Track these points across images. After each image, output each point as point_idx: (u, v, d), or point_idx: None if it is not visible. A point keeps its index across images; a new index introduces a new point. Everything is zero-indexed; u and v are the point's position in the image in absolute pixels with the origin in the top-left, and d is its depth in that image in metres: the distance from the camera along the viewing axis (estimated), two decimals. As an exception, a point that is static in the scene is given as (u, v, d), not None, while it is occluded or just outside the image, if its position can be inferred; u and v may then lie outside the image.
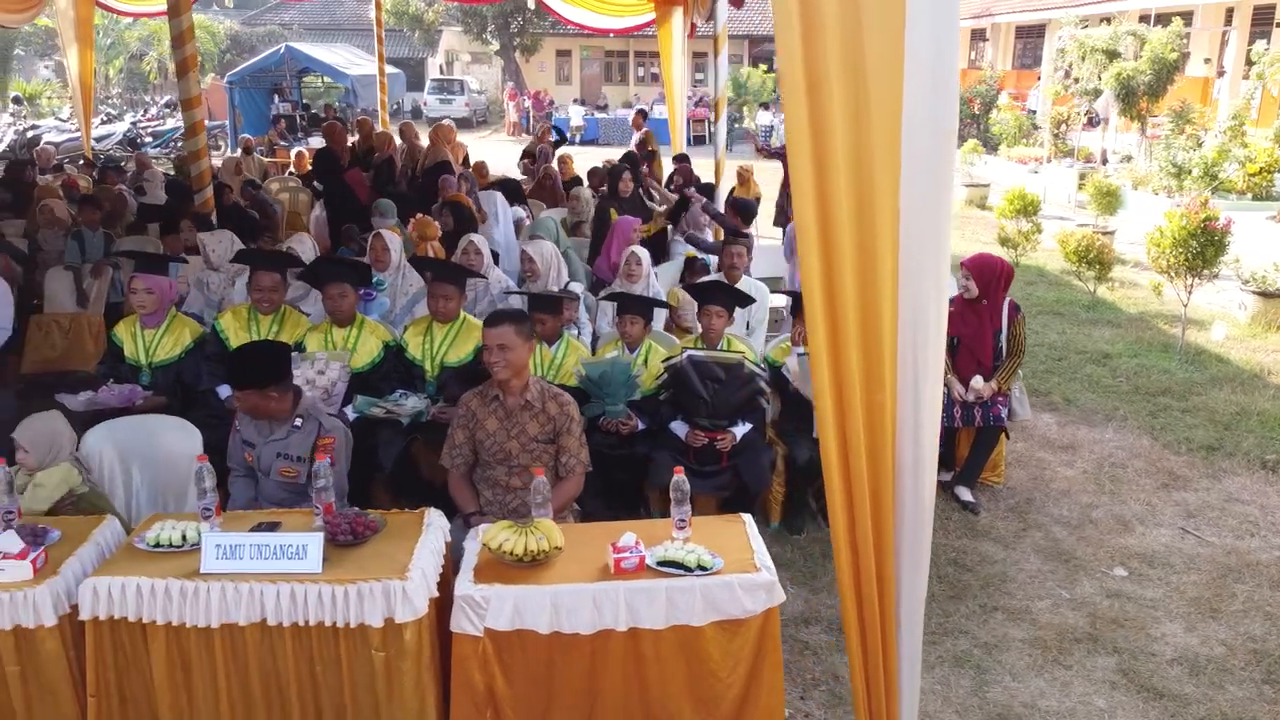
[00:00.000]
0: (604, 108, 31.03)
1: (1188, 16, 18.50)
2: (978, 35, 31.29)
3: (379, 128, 12.92)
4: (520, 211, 8.13)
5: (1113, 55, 15.69)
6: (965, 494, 5.25)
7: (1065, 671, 3.78)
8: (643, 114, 14.93)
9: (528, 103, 30.22)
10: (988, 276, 5.18)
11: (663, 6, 13.12)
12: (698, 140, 27.85)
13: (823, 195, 2.18)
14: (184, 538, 3.06)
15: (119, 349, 5.04)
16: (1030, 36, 28.11)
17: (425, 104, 31.29)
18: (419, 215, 6.36)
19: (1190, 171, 12.91)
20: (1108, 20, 20.00)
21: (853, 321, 2.17)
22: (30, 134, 18.94)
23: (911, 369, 2.18)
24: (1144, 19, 18.44)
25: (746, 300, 5.09)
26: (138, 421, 4.02)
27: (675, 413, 4.77)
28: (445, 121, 11.19)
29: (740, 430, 4.68)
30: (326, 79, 19.29)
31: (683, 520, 3.23)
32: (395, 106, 26.60)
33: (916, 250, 2.10)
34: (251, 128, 18.06)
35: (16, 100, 22.23)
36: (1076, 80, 16.50)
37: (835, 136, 2.19)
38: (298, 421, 3.71)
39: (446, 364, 4.92)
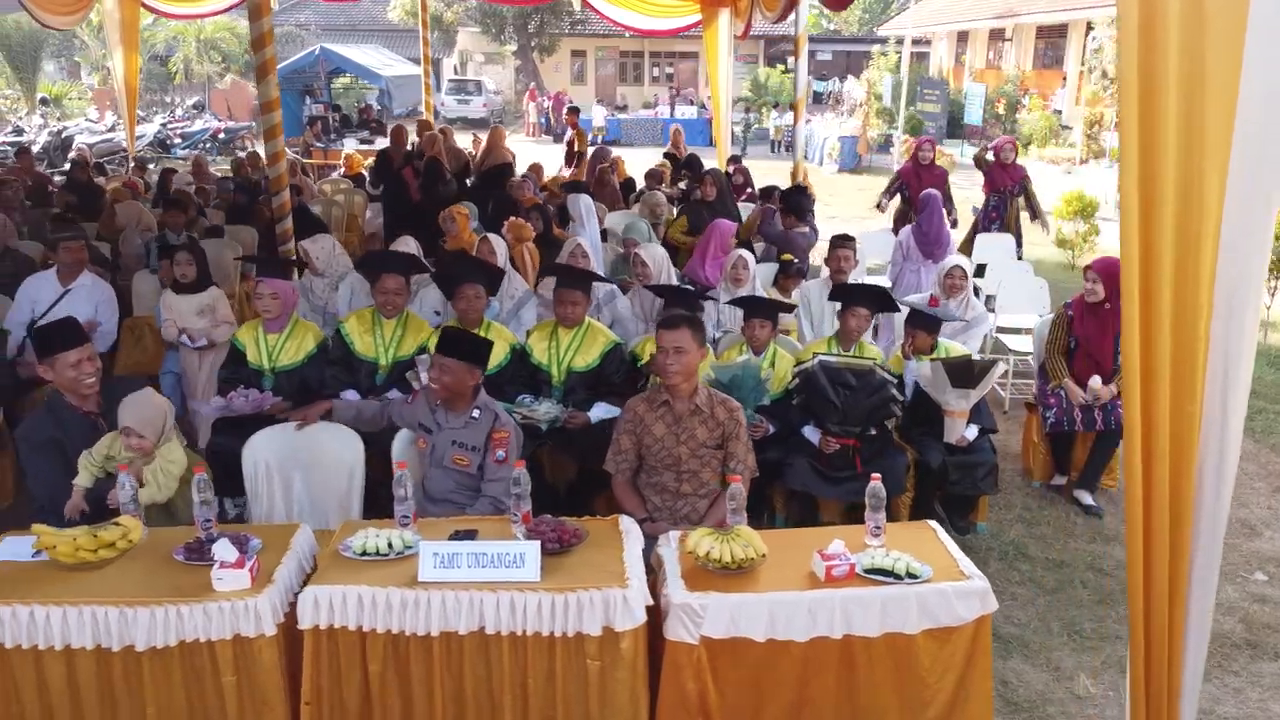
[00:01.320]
0: (624, 108, 31.03)
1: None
2: (996, 35, 31.29)
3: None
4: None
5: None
6: (1086, 498, 5.25)
7: (1234, 678, 3.77)
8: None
9: (547, 103, 30.20)
10: (1115, 280, 5.16)
11: (709, 7, 13.11)
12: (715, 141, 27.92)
13: (1147, 204, 2.17)
14: (390, 545, 3.04)
15: (241, 353, 5.03)
16: (1052, 36, 28.08)
17: (442, 104, 31.22)
18: (512, 218, 6.35)
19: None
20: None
21: (1167, 329, 2.16)
22: (63, 135, 18.88)
23: (1221, 380, 2.17)
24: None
25: (891, 306, 5.10)
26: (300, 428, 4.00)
27: (805, 418, 4.76)
28: (498, 125, 11.21)
29: (873, 433, 4.68)
30: (359, 80, 19.25)
31: (878, 527, 3.22)
32: (412, 108, 26.57)
33: (1238, 259, 2.09)
34: (285, 129, 18.01)
35: (44, 101, 22.21)
36: (1113, 80, 16.47)
37: (1167, 140, 2.18)
38: (475, 413, 3.73)
39: (573, 369, 4.90)
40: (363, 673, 2.92)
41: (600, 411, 4.81)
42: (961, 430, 4.74)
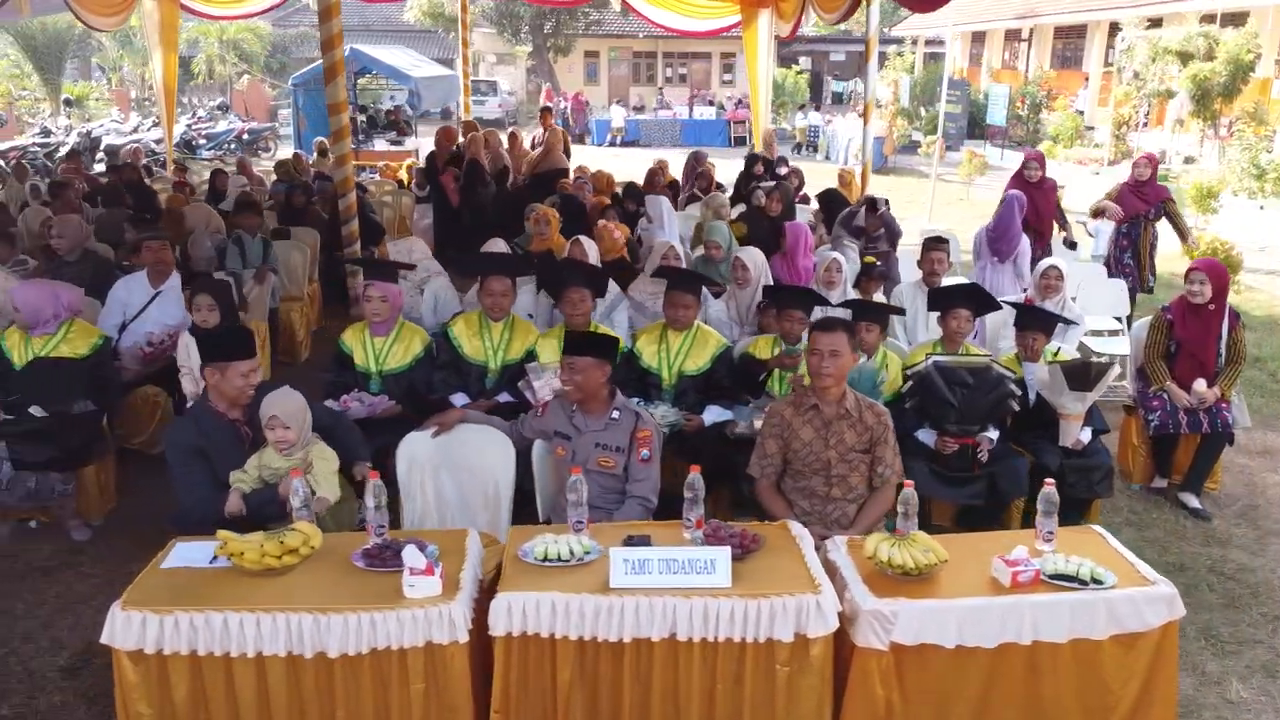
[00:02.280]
0: (641, 109, 31.03)
1: (1241, 18, 18.47)
2: (1013, 35, 31.28)
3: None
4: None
5: (1185, 57, 15.69)
6: (1192, 501, 5.23)
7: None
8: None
9: (564, 103, 30.18)
10: (1221, 281, 5.17)
11: (749, 8, 13.12)
12: (738, 141, 27.91)
13: None
14: (571, 551, 3.03)
15: (348, 356, 5.02)
16: (1070, 37, 28.07)
17: (457, 104, 31.21)
18: (604, 221, 6.34)
19: (1268, 173, 12.93)
20: (1157, 22, 19.98)
21: None
22: (92, 136, 18.85)
23: None
24: (1206, 19, 18.38)
25: (994, 305, 5.08)
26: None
27: (919, 420, 4.75)
28: (557, 127, 11.16)
29: (992, 435, 4.66)
30: (388, 80, 19.20)
31: (1050, 533, 3.21)
32: (440, 108, 26.59)
33: None
34: (313, 130, 17.99)
35: (67, 102, 22.19)
36: (1145, 82, 16.49)
37: None
38: (615, 414, 3.72)
39: (685, 373, 4.89)
40: (551, 680, 2.90)
41: (713, 415, 4.80)
42: (1077, 433, 4.73)
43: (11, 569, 4.58)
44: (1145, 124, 19.36)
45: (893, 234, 7.19)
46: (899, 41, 32.24)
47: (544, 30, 32.44)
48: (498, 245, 5.99)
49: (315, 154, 12.68)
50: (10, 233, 6.92)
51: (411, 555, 2.89)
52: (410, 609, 2.81)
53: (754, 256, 5.61)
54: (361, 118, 18.90)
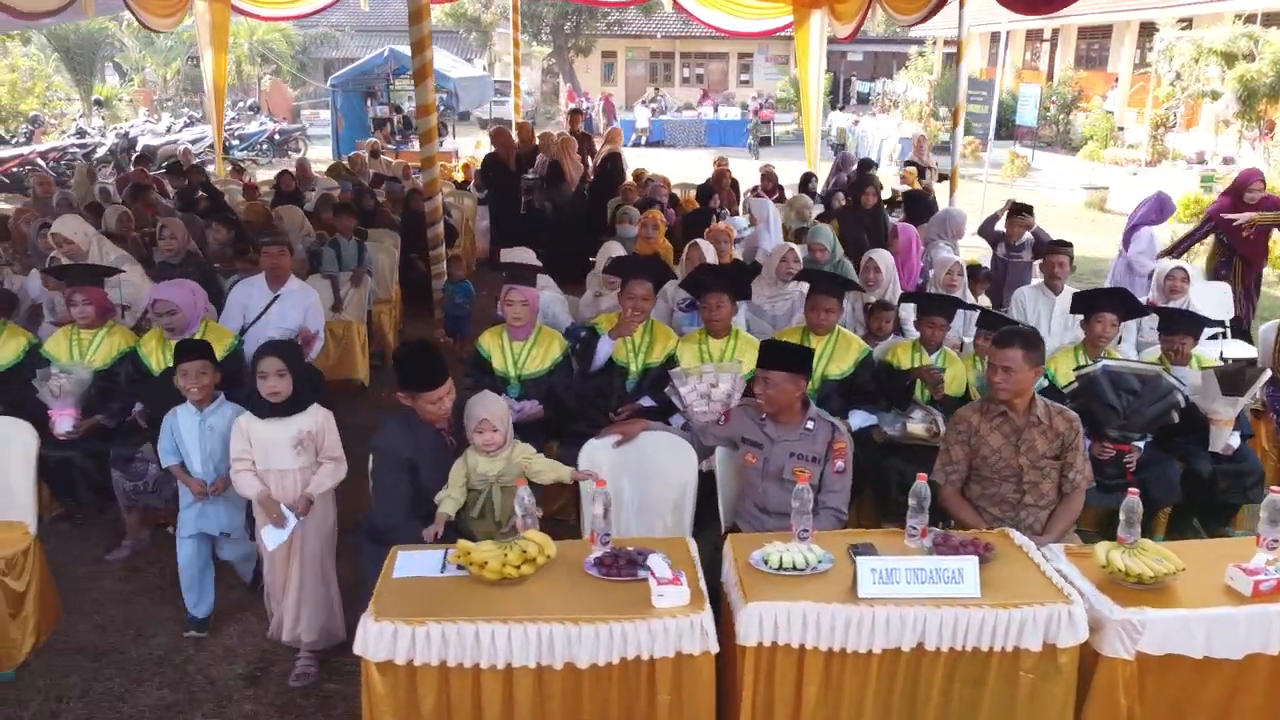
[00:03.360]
0: (664, 110, 30.99)
1: (1271, 17, 18.41)
2: (1034, 36, 31.23)
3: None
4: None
5: (1229, 58, 15.65)
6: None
7: None
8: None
9: (585, 104, 30.16)
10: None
11: (801, 9, 13.08)
12: (763, 142, 27.88)
13: None
14: (805, 561, 3.00)
15: (486, 360, 4.99)
16: (1095, 37, 28.01)
17: (490, 105, 31.16)
18: (718, 224, 6.31)
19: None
20: (1187, 21, 19.94)
21: None
22: (129, 137, 18.81)
23: None
24: (1242, 19, 18.34)
25: (1140, 310, 5.04)
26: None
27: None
28: (616, 128, 11.14)
29: (1140, 444, 4.64)
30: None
31: (1275, 540, 3.18)
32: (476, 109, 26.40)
33: None
34: (350, 131, 17.98)
35: (98, 103, 22.15)
36: (1190, 83, 16.45)
37: None
38: (809, 424, 3.68)
39: (827, 377, 4.86)
40: (797, 692, 2.87)
41: (859, 420, 4.78)
42: (1227, 438, 4.70)
43: (161, 575, 4.55)
44: (1174, 125, 19.33)
45: (1040, 240, 7.13)
46: (920, 42, 32.21)
47: (564, 30, 32.41)
48: (615, 249, 5.96)
49: (368, 155, 12.65)
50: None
51: (659, 565, 2.86)
52: (661, 619, 2.78)
53: (885, 259, 5.58)
54: (397, 117, 18.89)
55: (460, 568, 2.98)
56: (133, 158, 18.52)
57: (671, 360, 4.92)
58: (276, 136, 21.83)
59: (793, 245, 5.87)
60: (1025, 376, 3.65)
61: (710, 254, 5.88)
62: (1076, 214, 15.26)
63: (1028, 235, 7.14)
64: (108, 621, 4.17)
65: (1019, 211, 7.16)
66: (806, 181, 10.70)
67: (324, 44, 33.85)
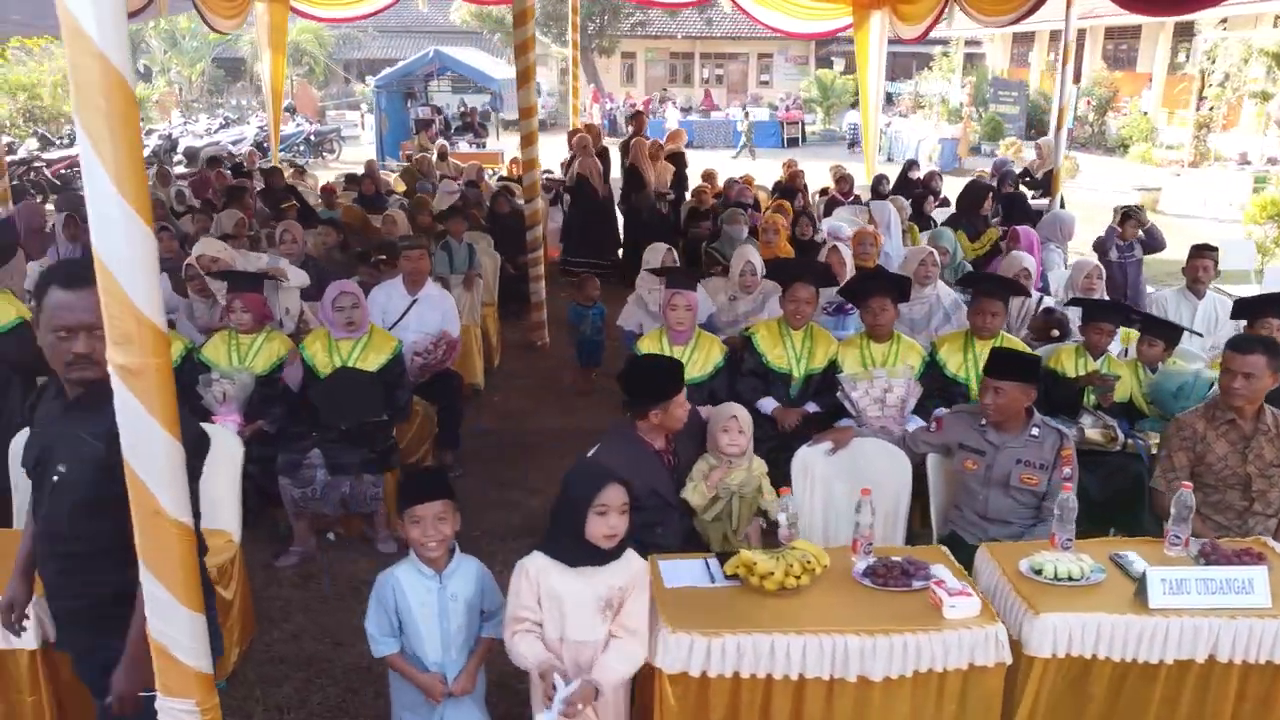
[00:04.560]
0: (689, 110, 31.00)
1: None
2: (1057, 36, 31.21)
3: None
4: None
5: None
6: None
7: None
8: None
9: (609, 104, 30.18)
10: None
11: (861, 10, 13.04)
12: (791, 143, 27.86)
13: None
14: (1081, 572, 2.97)
15: (644, 365, 4.95)
16: (1123, 38, 28.00)
17: (473, 108, 31.10)
18: (867, 227, 6.30)
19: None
20: (1223, 22, 19.95)
21: None
22: (172, 138, 18.77)
23: None
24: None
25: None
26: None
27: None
28: (680, 129, 11.11)
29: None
30: (472, 81, 19.18)
31: None
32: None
33: None
34: (393, 133, 17.96)
35: (134, 104, 22.11)
36: (1241, 84, 16.44)
37: None
38: (1034, 431, 3.65)
39: (994, 381, 4.83)
40: (1083, 702, 2.85)
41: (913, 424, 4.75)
42: None
43: (335, 582, 4.51)
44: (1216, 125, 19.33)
45: (1154, 244, 7.11)
46: (945, 42, 32.20)
47: (588, 31, 32.37)
48: (750, 254, 5.93)
49: (436, 157, 12.63)
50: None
51: (948, 576, 2.84)
52: (955, 631, 2.76)
53: (1029, 262, 5.55)
54: (438, 119, 18.87)
55: (732, 577, 2.96)
56: (174, 160, 18.56)
57: (834, 365, 4.90)
58: (312, 137, 21.80)
59: (931, 249, 5.83)
60: (1265, 383, 3.60)
61: (849, 257, 5.85)
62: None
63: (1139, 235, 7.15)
64: (300, 630, 4.14)
65: (1131, 215, 7.15)
66: (879, 184, 10.66)
67: (346, 44, 33.85)
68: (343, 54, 34.57)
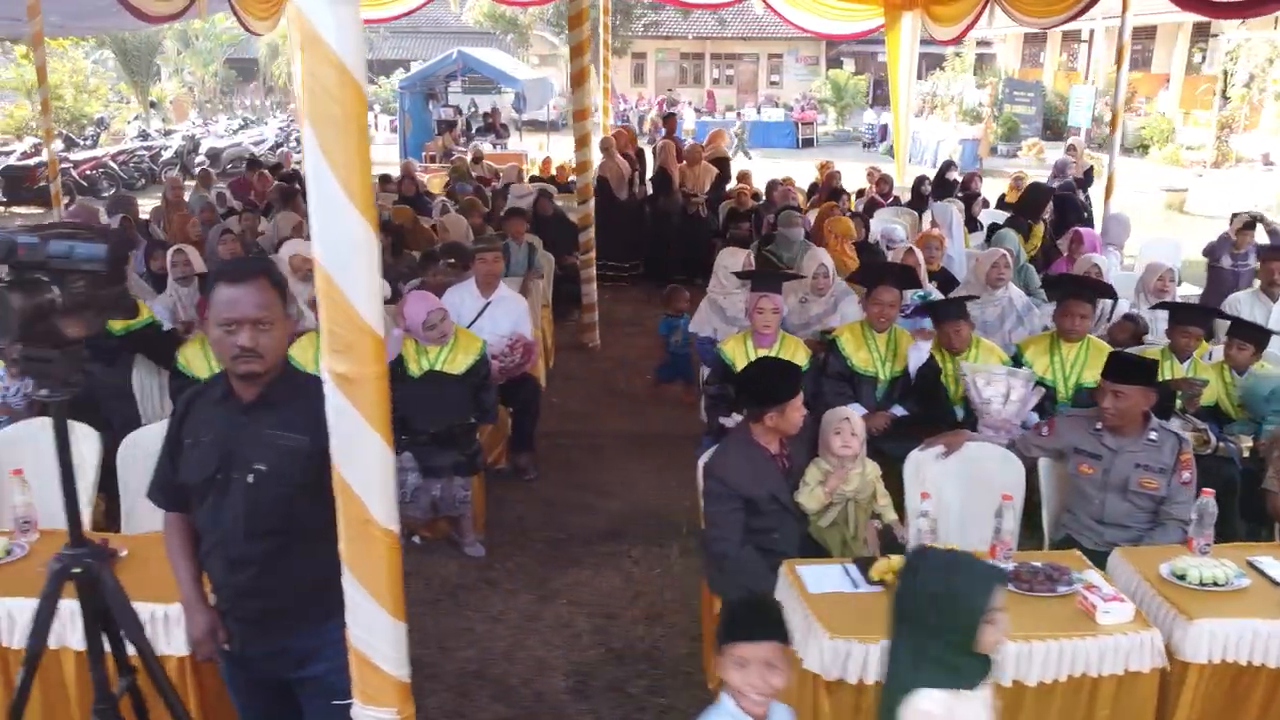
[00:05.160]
0: (701, 111, 31.03)
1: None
2: (1070, 36, 31.18)
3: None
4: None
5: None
6: None
7: None
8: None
9: (623, 104, 30.19)
10: None
11: (892, 10, 13.04)
12: (806, 143, 27.88)
13: None
14: (1225, 577, 2.96)
15: (729, 367, 4.95)
16: (1139, 38, 27.96)
17: (497, 110, 31.08)
18: (931, 229, 6.29)
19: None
20: (1242, 21, 19.94)
21: None
22: (196, 139, 18.77)
23: None
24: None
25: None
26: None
27: None
28: (720, 130, 11.08)
29: None
30: (494, 82, 19.16)
31: None
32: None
33: None
34: (416, 134, 17.96)
35: (152, 104, 22.15)
36: (1267, 84, 16.45)
37: None
38: (1152, 435, 3.64)
39: (1082, 385, 4.82)
40: (1240, 707, 2.84)
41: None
42: None
43: (428, 586, 4.51)
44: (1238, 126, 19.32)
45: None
46: (929, 41, 32.15)
47: (599, 32, 32.37)
48: (819, 256, 5.92)
49: (471, 159, 12.63)
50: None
51: (1101, 582, 2.83)
52: (1111, 636, 2.75)
53: (1100, 261, 5.54)
54: (460, 119, 18.86)
55: (877, 583, 2.95)
56: (195, 161, 18.58)
57: (924, 366, 4.90)
58: (331, 138, 21.76)
59: (1004, 251, 5.83)
60: None
61: (922, 260, 5.85)
62: (1164, 216, 15.24)
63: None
64: (402, 634, 4.12)
65: (1249, 225, 7.08)
66: (920, 185, 10.66)
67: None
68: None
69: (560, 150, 16.80)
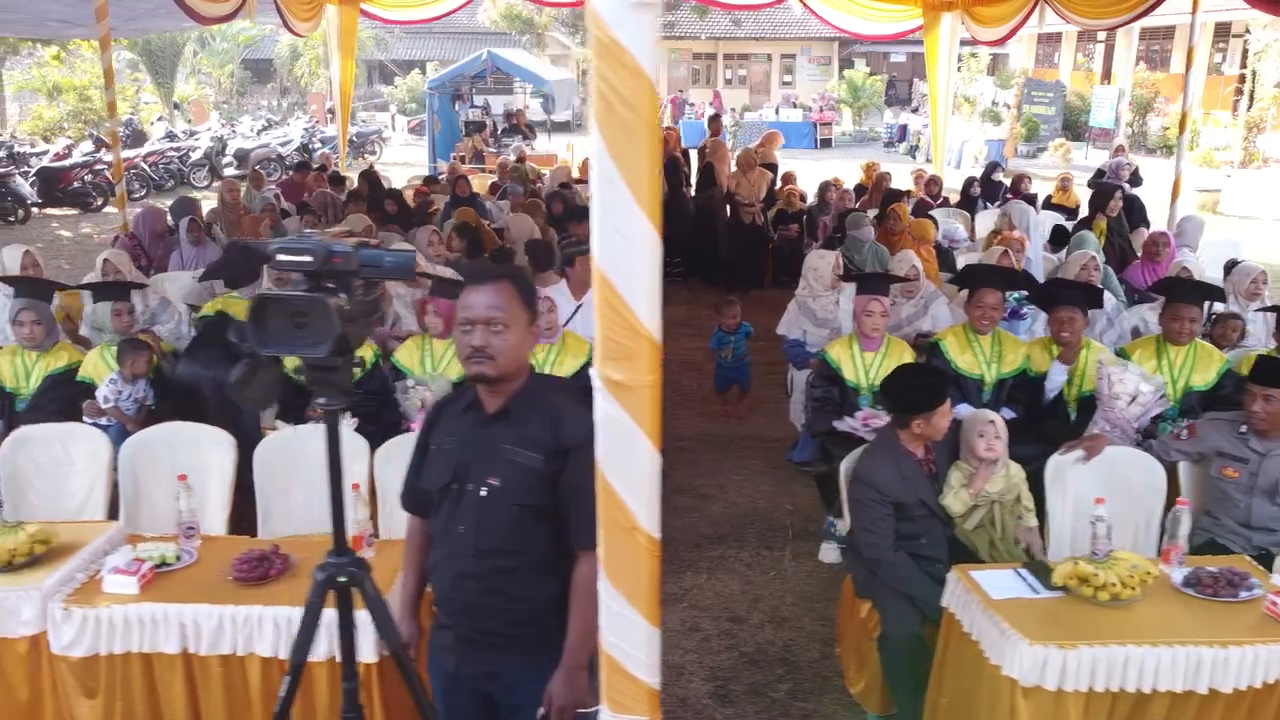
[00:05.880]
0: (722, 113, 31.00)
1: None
2: (1086, 36, 31.19)
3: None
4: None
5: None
6: None
7: None
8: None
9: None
10: None
11: (931, 11, 13.02)
12: (824, 144, 27.88)
13: None
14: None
15: (835, 371, 4.95)
16: (1156, 38, 28.01)
17: (526, 107, 31.11)
18: (1011, 232, 6.28)
19: None
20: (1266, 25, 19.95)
21: None
22: (224, 140, 18.75)
23: None
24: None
25: None
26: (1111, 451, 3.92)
27: None
28: (774, 131, 11.07)
29: None
30: (513, 79, 19.16)
31: None
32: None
33: None
34: (445, 135, 17.92)
35: (176, 106, 22.15)
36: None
37: None
38: None
39: (1190, 389, 4.80)
40: None
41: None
42: None
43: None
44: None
45: None
46: (971, 41, 32.15)
47: (615, 32, 32.34)
48: (909, 259, 5.92)
49: (514, 158, 12.63)
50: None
51: None
52: (1301, 640, 2.75)
53: (1191, 262, 5.54)
54: (490, 121, 18.83)
55: (1060, 588, 2.94)
56: (222, 162, 18.57)
57: (1026, 370, 4.90)
58: (355, 138, 21.77)
59: (1093, 254, 5.82)
60: None
61: (1015, 262, 5.84)
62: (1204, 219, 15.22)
63: None
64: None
65: None
66: (969, 186, 10.67)
67: (376, 45, 33.82)
68: (364, 56, 34.50)
69: (581, 153, 16.86)
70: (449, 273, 5.79)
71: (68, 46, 16.33)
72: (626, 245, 1.89)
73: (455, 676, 2.38)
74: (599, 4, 1.85)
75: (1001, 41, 12.04)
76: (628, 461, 1.99)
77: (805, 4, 13.49)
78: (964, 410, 4.86)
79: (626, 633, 2.09)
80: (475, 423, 2.30)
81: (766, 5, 13.72)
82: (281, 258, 1.79)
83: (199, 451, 3.86)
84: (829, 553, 4.84)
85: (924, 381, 3.64)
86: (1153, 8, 7.95)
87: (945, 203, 10.42)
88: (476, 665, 2.34)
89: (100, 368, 4.54)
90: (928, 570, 3.46)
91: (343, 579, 1.96)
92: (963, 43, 12.87)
